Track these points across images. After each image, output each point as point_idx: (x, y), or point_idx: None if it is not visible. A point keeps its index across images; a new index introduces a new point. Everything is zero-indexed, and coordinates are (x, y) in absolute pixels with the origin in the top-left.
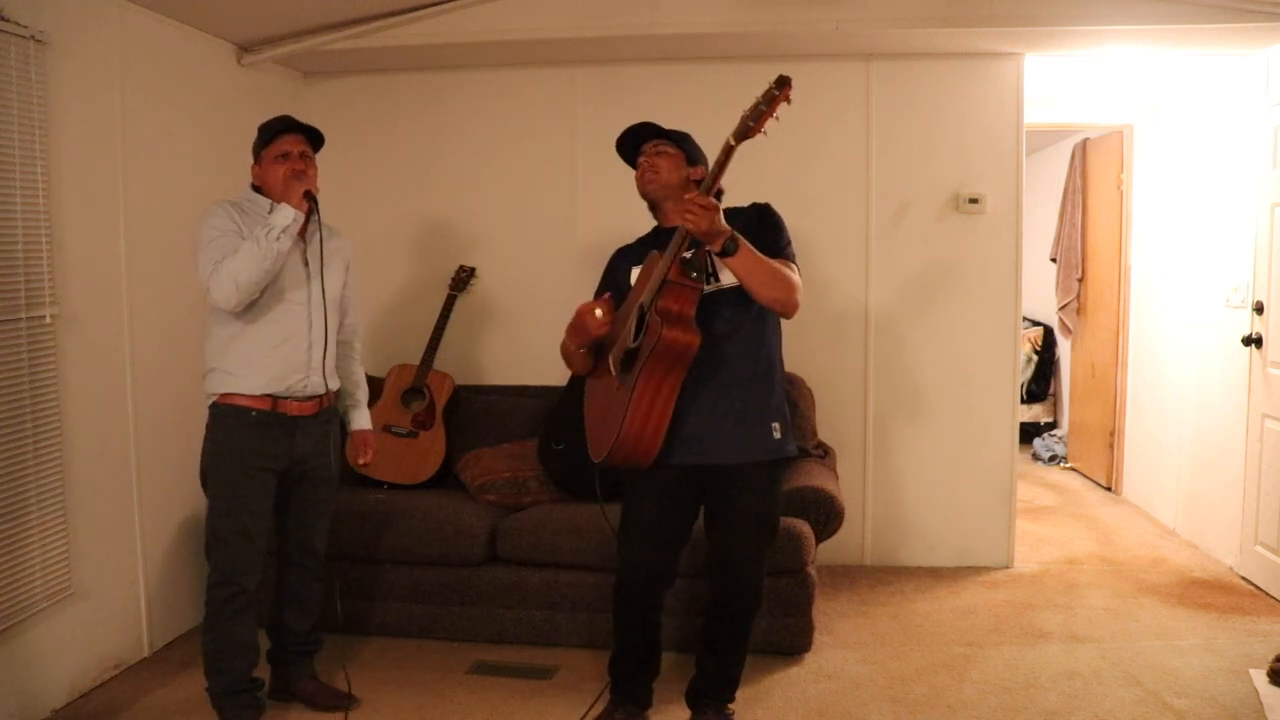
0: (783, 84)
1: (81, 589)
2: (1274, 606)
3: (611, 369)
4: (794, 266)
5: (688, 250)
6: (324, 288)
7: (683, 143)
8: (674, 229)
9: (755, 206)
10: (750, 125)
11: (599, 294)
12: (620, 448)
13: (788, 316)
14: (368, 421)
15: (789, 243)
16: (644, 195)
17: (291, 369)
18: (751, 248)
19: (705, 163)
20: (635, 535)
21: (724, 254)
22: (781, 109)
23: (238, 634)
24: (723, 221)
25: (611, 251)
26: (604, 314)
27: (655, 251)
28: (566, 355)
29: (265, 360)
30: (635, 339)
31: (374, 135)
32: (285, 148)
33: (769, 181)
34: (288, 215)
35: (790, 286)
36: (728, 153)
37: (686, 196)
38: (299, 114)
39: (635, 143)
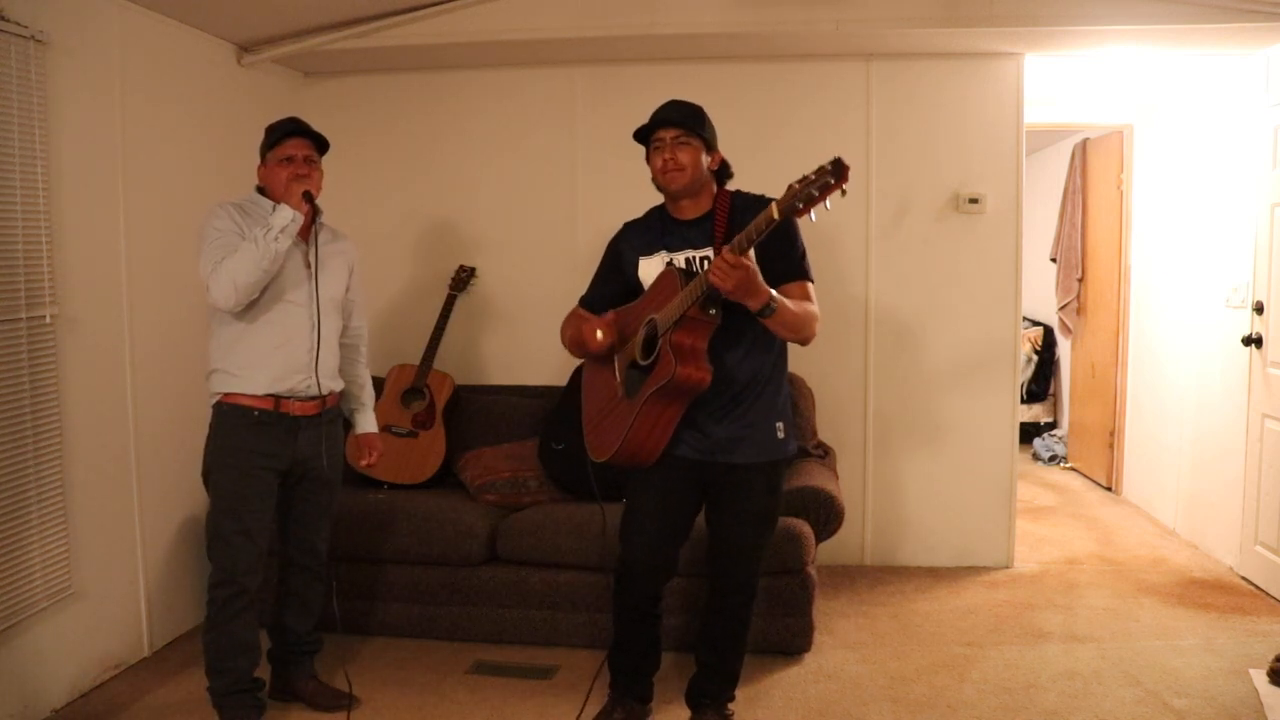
0: (839, 172)
1: (81, 589)
2: (1274, 606)
3: (616, 373)
4: (810, 286)
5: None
6: (317, 289)
7: (702, 130)
8: (687, 220)
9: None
10: (798, 207)
11: (600, 274)
12: (619, 456)
13: (803, 345)
14: (373, 425)
15: (804, 254)
16: (663, 190)
17: (293, 369)
18: (787, 304)
19: (715, 141)
20: (637, 526)
21: (761, 316)
22: (833, 197)
23: (239, 634)
24: (760, 281)
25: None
26: (604, 336)
27: (670, 266)
28: (564, 343)
29: (267, 361)
30: (645, 357)
31: (374, 135)
32: (290, 151)
33: (769, 180)
34: (286, 215)
35: (811, 326)
36: (769, 223)
37: (724, 249)
38: (299, 114)
39: (652, 125)
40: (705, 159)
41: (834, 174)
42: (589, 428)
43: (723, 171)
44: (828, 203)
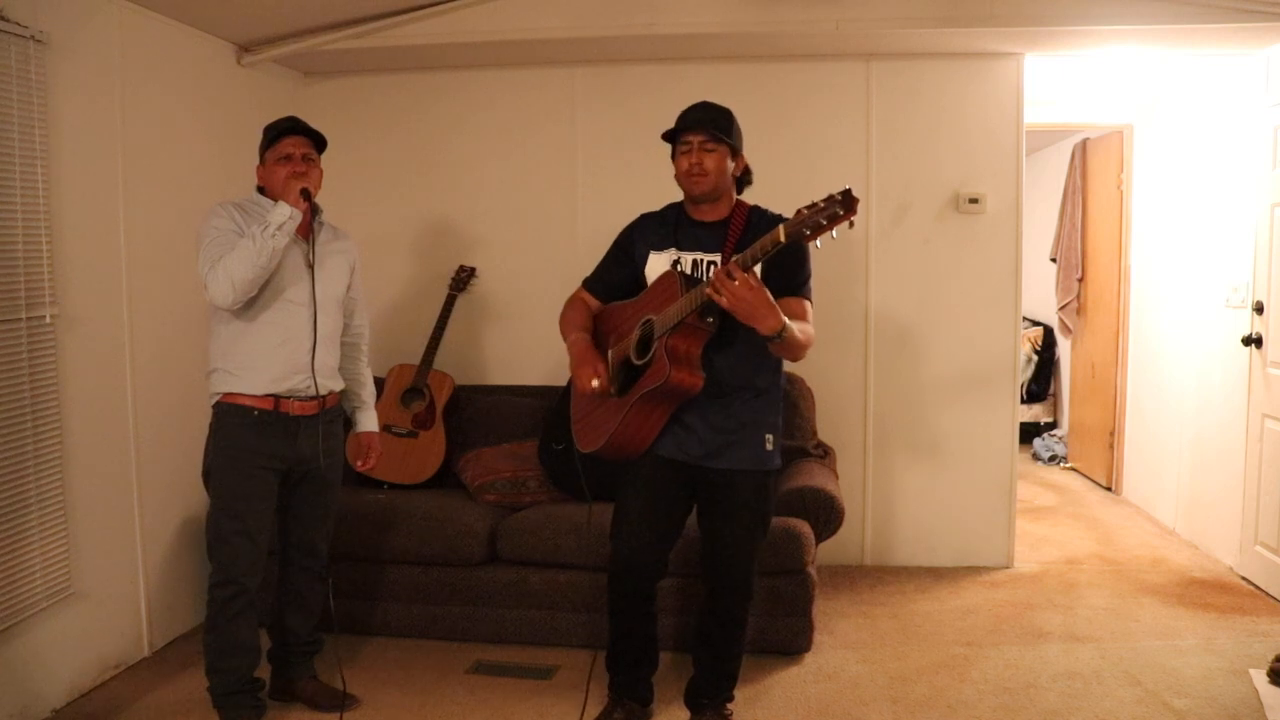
0: (849, 204)
1: (81, 589)
2: (1274, 606)
3: (608, 368)
4: (809, 307)
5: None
6: (314, 287)
7: (730, 136)
8: (703, 222)
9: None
10: (805, 233)
11: (608, 259)
12: (606, 451)
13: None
14: (374, 424)
15: (809, 276)
16: (685, 192)
17: (293, 369)
18: (794, 333)
19: (741, 146)
20: (628, 524)
21: (770, 341)
22: (841, 228)
23: (239, 634)
24: (771, 304)
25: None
26: (599, 386)
27: (674, 268)
28: (561, 331)
29: (267, 361)
30: (640, 357)
31: (374, 135)
32: (288, 150)
33: (769, 180)
34: (284, 212)
35: (805, 348)
36: (774, 245)
37: (726, 268)
38: (299, 114)
39: (683, 126)
40: (730, 165)
41: (843, 205)
42: (577, 418)
43: (743, 177)
44: (834, 233)
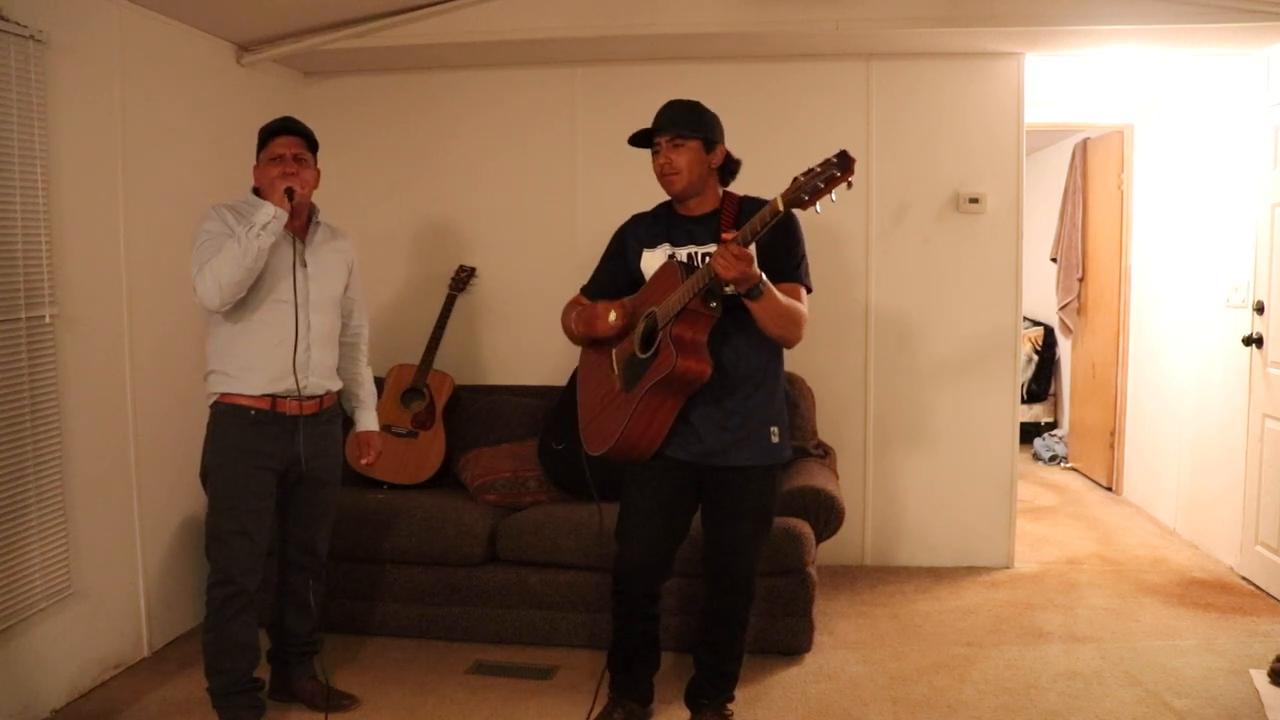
0: (845, 164)
1: (81, 589)
2: (1274, 606)
3: (614, 366)
4: (804, 291)
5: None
6: (296, 287)
7: (699, 129)
8: (692, 217)
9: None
10: (803, 199)
11: (604, 262)
12: (616, 450)
13: (787, 348)
14: (374, 423)
15: (803, 259)
16: (666, 191)
17: (289, 369)
18: (775, 292)
19: (722, 138)
20: (633, 525)
21: (748, 297)
22: (840, 190)
23: (238, 634)
24: (755, 269)
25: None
26: (616, 319)
27: (671, 259)
28: (566, 328)
29: (264, 361)
30: (645, 350)
31: (374, 135)
32: (278, 150)
33: (769, 181)
34: (268, 213)
35: (798, 325)
36: (774, 215)
37: (725, 237)
38: (299, 114)
39: (647, 131)
40: (706, 157)
41: (839, 166)
42: (585, 420)
43: (727, 167)
44: (833, 195)
